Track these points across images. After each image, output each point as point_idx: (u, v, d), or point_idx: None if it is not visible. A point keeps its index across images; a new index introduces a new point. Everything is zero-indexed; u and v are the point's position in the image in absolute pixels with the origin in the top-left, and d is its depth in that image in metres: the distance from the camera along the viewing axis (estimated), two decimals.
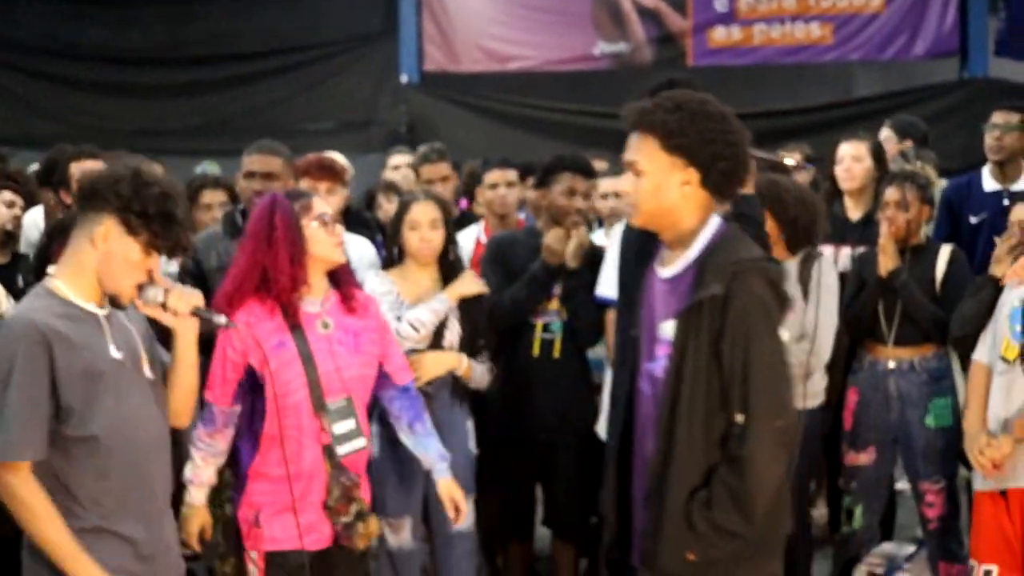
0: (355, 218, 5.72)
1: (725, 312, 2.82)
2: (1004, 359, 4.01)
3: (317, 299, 3.69)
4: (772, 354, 2.86)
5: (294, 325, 3.62)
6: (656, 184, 2.92)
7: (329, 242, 3.69)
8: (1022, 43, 10.23)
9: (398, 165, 7.04)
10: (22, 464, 2.88)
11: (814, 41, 10.62)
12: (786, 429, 2.85)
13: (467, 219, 5.68)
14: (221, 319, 3.22)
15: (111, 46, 11.60)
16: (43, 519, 2.90)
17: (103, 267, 2.99)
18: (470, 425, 4.54)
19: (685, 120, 2.89)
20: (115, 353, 3.01)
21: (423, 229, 4.41)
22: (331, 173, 4.99)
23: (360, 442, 3.70)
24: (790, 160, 5.89)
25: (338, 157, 5.57)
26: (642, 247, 3.25)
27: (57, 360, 2.88)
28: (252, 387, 3.65)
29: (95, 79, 11.56)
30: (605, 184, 5.22)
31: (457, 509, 3.99)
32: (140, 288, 3.05)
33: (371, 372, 3.81)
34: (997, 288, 4.23)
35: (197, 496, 3.71)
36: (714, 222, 2.99)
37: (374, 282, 4.41)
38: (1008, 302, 4.05)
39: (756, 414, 2.81)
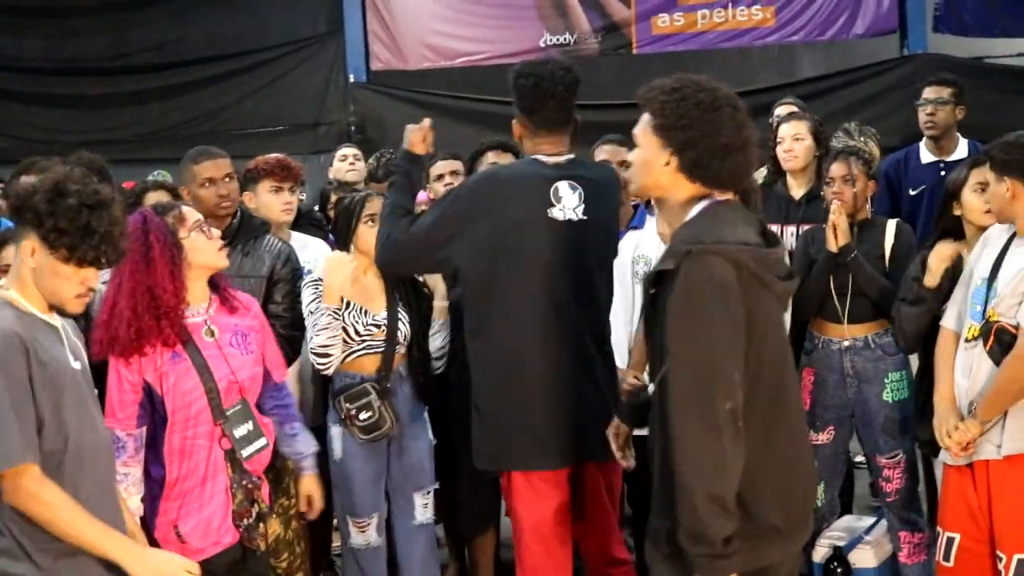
0: (307, 219, 5.73)
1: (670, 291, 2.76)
2: (965, 338, 3.96)
3: (200, 307, 3.70)
4: (692, 344, 2.72)
5: (185, 338, 3.61)
6: (645, 159, 2.97)
7: (211, 248, 3.70)
8: (959, 18, 10.36)
9: (345, 156, 7.09)
10: (32, 466, 2.82)
11: (756, 24, 10.69)
12: (718, 413, 2.67)
13: None
14: None
15: (54, 58, 11.48)
16: (72, 512, 2.85)
17: (38, 281, 2.94)
18: (426, 416, 4.57)
19: (671, 103, 2.89)
20: (74, 363, 2.99)
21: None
22: (294, 173, 5.03)
23: (261, 442, 3.74)
24: None
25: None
26: None
27: (31, 368, 2.84)
28: (148, 405, 3.64)
29: (39, 91, 11.42)
30: None
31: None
32: None
33: (260, 369, 3.85)
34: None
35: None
36: (701, 203, 2.93)
37: (307, 295, 4.44)
38: (979, 274, 3.96)
39: (678, 409, 2.71)
